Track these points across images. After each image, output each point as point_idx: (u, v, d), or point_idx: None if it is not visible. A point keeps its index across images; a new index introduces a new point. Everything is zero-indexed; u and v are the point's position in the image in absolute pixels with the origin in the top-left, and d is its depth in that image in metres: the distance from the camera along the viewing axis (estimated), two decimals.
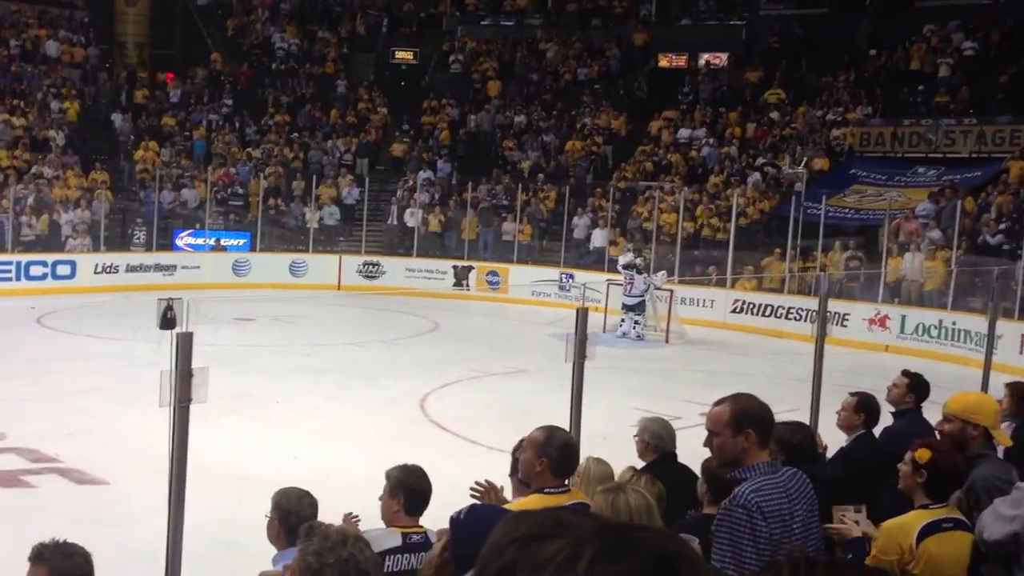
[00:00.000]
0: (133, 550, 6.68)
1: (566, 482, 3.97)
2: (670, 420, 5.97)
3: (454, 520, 3.39)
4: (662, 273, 20.94)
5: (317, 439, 11.12)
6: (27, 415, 11.39)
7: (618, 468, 4.79)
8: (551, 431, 3.94)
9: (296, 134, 29.58)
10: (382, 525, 4.35)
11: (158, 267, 24.02)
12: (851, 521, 4.35)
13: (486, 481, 4.25)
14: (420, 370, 15.14)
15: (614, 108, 29.74)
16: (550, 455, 3.80)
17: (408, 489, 4.31)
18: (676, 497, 4.59)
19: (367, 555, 3.05)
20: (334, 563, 2.94)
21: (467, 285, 24.47)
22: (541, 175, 27.71)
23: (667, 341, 19.43)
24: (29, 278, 22.45)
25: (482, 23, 33.79)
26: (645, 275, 20.16)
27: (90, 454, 9.96)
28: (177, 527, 4.19)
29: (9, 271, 22.29)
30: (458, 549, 3.31)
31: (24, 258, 22.75)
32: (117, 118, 29.08)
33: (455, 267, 24.70)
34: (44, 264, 22.80)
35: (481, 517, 3.32)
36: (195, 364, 4.12)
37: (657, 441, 5.40)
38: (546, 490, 3.79)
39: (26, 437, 10.51)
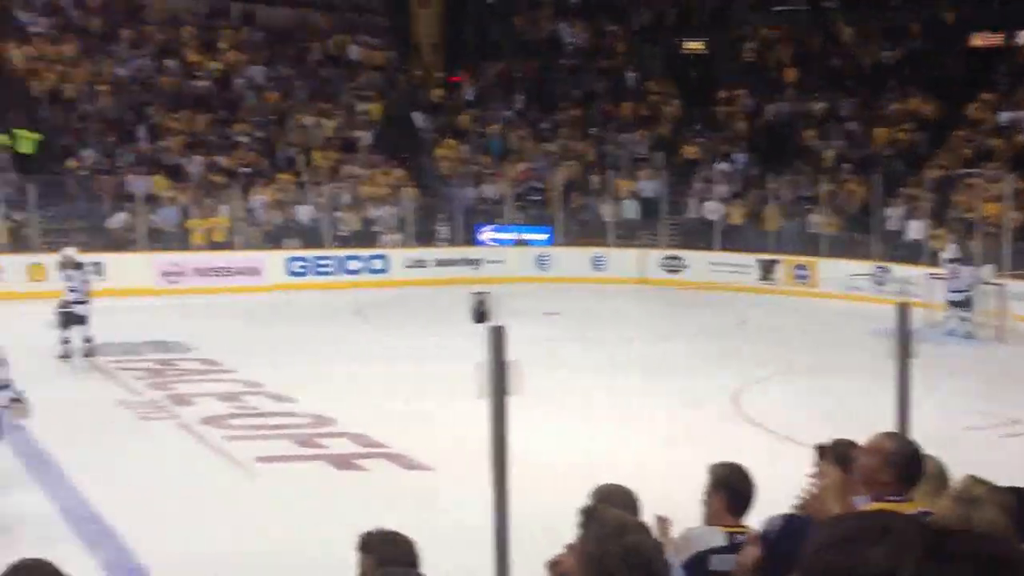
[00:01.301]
0: (455, 535, 6.62)
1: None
2: (1010, 426, 5.10)
3: (768, 532, 3.37)
4: (990, 266, 19.25)
5: (628, 434, 10.75)
6: (356, 402, 11.77)
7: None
8: (901, 440, 3.86)
9: (593, 128, 29.53)
10: (701, 524, 4.22)
11: (464, 261, 24.54)
12: None
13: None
14: (728, 366, 14.45)
15: (923, 92, 27.82)
16: (898, 465, 3.65)
17: (730, 488, 4.23)
18: None
19: (649, 544, 2.91)
20: (615, 551, 2.78)
21: (774, 279, 23.48)
22: (847, 164, 26.28)
23: (1000, 339, 17.77)
24: (347, 272, 23.50)
25: (774, 8, 32.55)
26: (971, 268, 18.58)
27: (414, 441, 10.15)
28: (501, 514, 4.16)
29: (329, 265, 23.43)
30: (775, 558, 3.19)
31: (342, 253, 23.82)
32: (418, 117, 30.06)
33: (760, 260, 23.76)
34: (359, 259, 23.81)
35: (796, 529, 3.24)
36: (509, 357, 3.93)
37: None
38: (888, 498, 3.61)
39: (355, 423, 10.89)
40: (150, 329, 16.69)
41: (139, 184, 23.48)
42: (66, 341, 14.25)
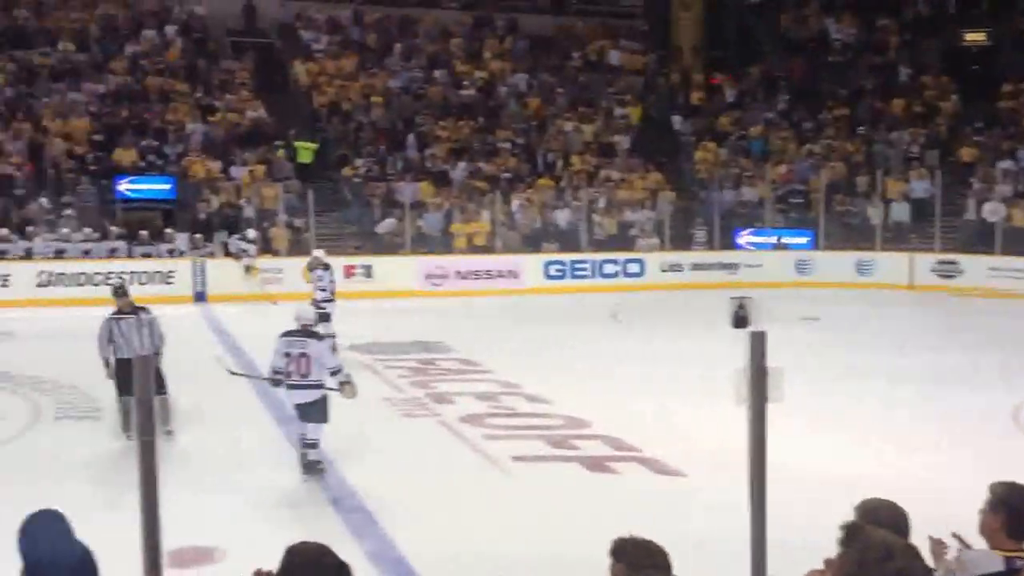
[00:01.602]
0: (708, 545, 6.40)
1: None
2: None
3: None
4: None
5: (895, 447, 10.04)
6: (610, 405, 11.70)
7: None
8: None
9: (861, 127, 28.26)
10: (978, 547, 3.87)
11: (721, 266, 24.09)
12: None
13: None
14: (1009, 380, 13.29)
15: None
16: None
17: (1010, 509, 3.89)
18: None
19: (918, 570, 2.70)
20: None
21: None
22: None
23: None
24: (603, 276, 23.60)
25: None
26: None
27: (667, 446, 9.94)
28: (759, 526, 3.89)
29: (586, 269, 23.62)
30: None
31: (598, 257, 23.94)
32: (677, 120, 29.80)
33: None
34: (616, 262, 23.85)
35: None
36: (769, 363, 3.65)
37: None
38: None
39: (609, 426, 10.81)
40: (414, 329, 17.30)
41: (407, 191, 24.54)
42: None
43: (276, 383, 9.32)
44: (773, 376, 3.80)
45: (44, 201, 22.47)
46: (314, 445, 9.16)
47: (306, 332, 9.29)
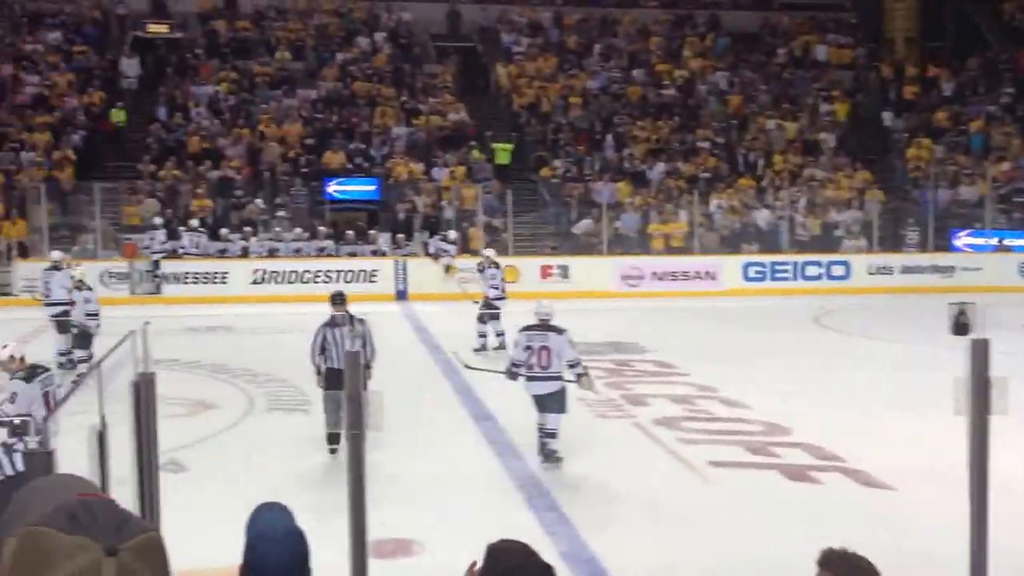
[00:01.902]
0: (919, 562, 6.14)
1: None
2: None
3: None
4: None
5: None
6: (812, 412, 11.28)
7: None
8: None
9: None
10: None
11: (934, 268, 22.92)
12: None
13: None
14: None
15: None
16: None
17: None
18: None
19: None
20: None
21: None
22: None
23: None
24: (805, 278, 22.87)
25: None
26: None
27: (875, 457, 9.47)
28: (980, 546, 3.76)
29: (787, 271, 22.95)
30: None
31: (800, 258, 23.22)
32: (887, 116, 28.56)
33: None
34: (819, 264, 23.06)
35: None
36: (992, 373, 3.47)
37: None
38: None
39: (812, 434, 10.42)
40: (609, 330, 17.19)
41: (604, 191, 24.51)
42: (483, 335, 15.46)
43: (513, 376, 9.71)
44: (997, 386, 3.60)
45: (259, 202, 23.68)
46: (554, 435, 9.47)
47: (546, 326, 9.66)
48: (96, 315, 13.58)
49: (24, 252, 21.47)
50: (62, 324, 13.93)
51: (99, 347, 13.46)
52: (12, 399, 7.74)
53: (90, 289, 13.95)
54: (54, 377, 8.62)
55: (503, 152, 26.26)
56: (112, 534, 1.22)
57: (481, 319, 15.53)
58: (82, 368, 13.00)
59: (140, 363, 4.52)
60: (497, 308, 15.43)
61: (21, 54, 27.47)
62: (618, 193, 24.84)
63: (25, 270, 20.13)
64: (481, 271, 15.97)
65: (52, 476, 1.58)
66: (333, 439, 9.54)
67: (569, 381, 9.58)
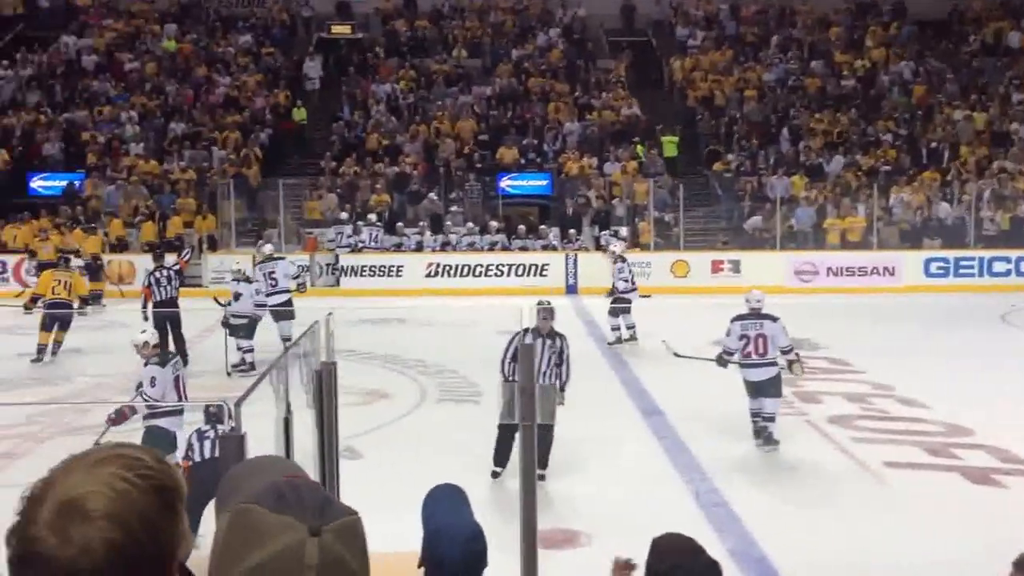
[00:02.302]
0: None
1: None
2: None
3: None
4: None
5: None
6: (996, 413, 10.85)
7: None
8: None
9: None
10: None
11: None
12: None
13: None
14: None
15: None
16: None
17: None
18: None
19: None
20: None
21: None
22: None
23: None
24: (992, 274, 21.83)
25: None
26: None
27: None
28: None
29: (972, 267, 21.97)
30: None
31: (987, 254, 22.18)
32: None
33: None
34: (1007, 260, 21.96)
35: None
36: None
37: None
38: None
39: (995, 436, 10.04)
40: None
41: (778, 185, 24.01)
42: (616, 328, 15.52)
43: (724, 364, 10.18)
44: None
45: (434, 197, 24.26)
46: (773, 418, 9.83)
47: (760, 314, 10.00)
48: (264, 306, 14.22)
49: (213, 246, 22.66)
50: (285, 312, 14.51)
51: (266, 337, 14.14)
52: (152, 383, 8.28)
53: (252, 281, 14.45)
54: (180, 363, 9.20)
55: (670, 144, 26.10)
56: (316, 515, 1.27)
57: (613, 312, 15.63)
58: (248, 357, 13.58)
59: (323, 352, 4.70)
60: (628, 301, 15.51)
61: (214, 56, 29.00)
62: (792, 187, 24.28)
63: (214, 262, 21.28)
64: (614, 263, 16.03)
65: (262, 457, 1.66)
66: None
67: (781, 367, 9.96)
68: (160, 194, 23.73)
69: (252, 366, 13.38)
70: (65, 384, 13.26)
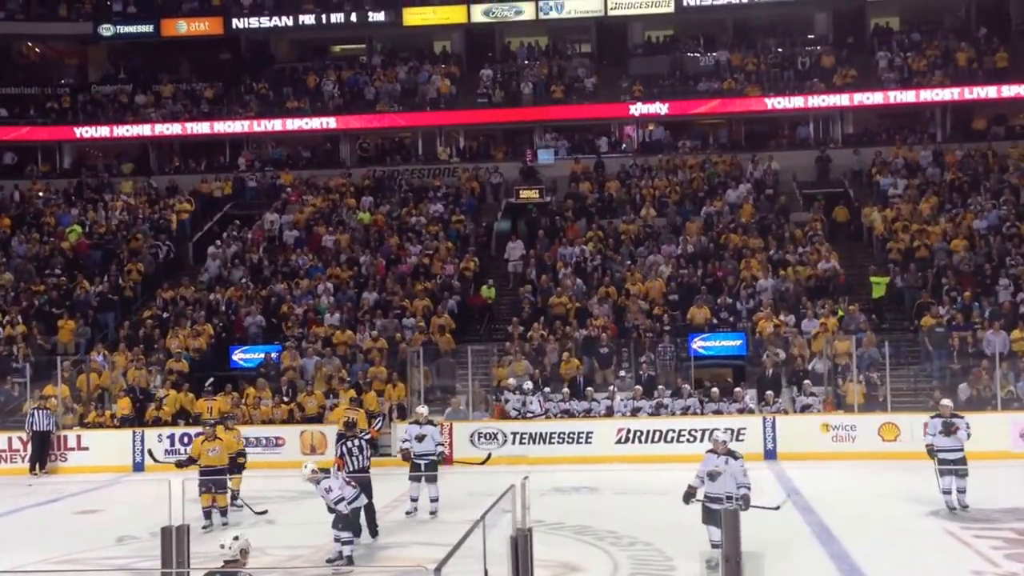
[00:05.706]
0: None
1: None
2: None
3: None
4: None
5: None
6: None
7: None
8: None
9: None
10: None
11: None
12: None
13: None
14: None
15: None
16: None
17: None
18: None
19: None
20: None
21: None
22: None
23: None
24: None
25: None
26: None
27: None
28: None
29: None
30: None
31: None
32: None
33: None
34: None
35: None
36: None
37: None
38: None
39: None
40: (1008, 495, 15.62)
41: (995, 340, 22.08)
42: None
43: None
44: None
45: (624, 362, 23.61)
46: None
47: None
48: (342, 500, 12.37)
49: (403, 414, 22.61)
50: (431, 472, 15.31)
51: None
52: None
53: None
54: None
55: (878, 286, 24.80)
56: None
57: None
58: (347, 550, 12.19)
59: (519, 519, 4.31)
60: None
61: (405, 226, 29.84)
62: (1012, 343, 22.25)
63: (401, 431, 21.14)
64: None
65: None
66: None
67: None
68: (353, 363, 24.06)
69: (350, 560, 12.26)
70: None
